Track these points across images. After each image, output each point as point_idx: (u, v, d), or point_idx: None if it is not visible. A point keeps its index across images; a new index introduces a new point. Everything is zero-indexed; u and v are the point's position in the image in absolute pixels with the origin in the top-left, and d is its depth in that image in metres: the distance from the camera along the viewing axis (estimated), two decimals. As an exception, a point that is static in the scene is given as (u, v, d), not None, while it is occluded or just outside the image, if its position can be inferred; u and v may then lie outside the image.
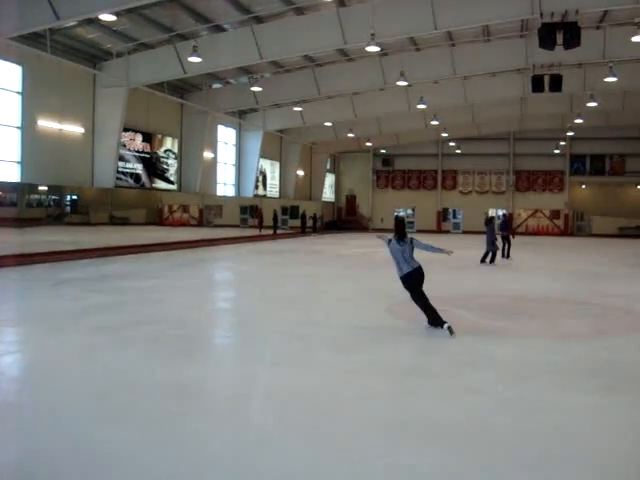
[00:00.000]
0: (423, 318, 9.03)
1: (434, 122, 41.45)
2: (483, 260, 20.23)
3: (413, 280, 8.90)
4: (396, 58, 30.98)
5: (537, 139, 51.53)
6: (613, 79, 27.96)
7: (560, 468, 4.38)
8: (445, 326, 8.50)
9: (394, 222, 9.36)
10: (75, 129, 30.89)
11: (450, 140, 52.38)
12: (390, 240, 8.97)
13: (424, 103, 34.41)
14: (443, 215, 54.66)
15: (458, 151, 53.44)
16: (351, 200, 59.09)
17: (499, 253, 20.59)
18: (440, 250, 9.36)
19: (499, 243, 20.94)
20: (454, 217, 54.79)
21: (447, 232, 52.51)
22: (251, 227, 42.24)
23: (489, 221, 21.09)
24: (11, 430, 4.99)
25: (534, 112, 42.60)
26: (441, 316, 8.69)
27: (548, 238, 45.67)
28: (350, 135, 46.39)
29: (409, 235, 9.08)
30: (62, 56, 27.27)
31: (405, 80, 28.64)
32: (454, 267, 18.94)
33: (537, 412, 5.54)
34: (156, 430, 4.91)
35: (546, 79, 27.76)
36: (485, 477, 4.22)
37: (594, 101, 34.31)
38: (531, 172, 53.37)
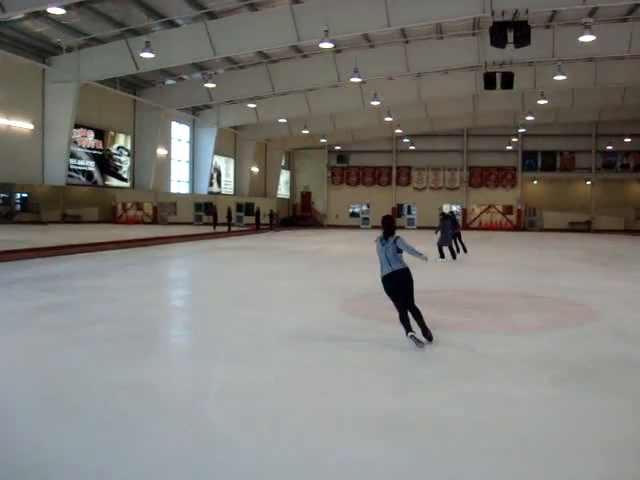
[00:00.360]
0: (377, 314, 9.06)
1: (388, 118, 41.76)
2: (442, 255, 20.20)
3: (393, 282, 8.09)
4: (350, 55, 31.13)
5: (490, 135, 52.29)
6: (562, 77, 28.57)
7: (509, 458, 4.46)
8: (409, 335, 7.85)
9: (381, 220, 8.52)
10: (24, 125, 30.32)
11: (404, 136, 52.79)
12: (378, 239, 8.35)
13: (378, 99, 34.68)
14: (398, 211, 55.04)
15: (412, 147, 53.92)
16: (306, 197, 59.15)
17: (447, 251, 20.54)
18: (419, 255, 8.48)
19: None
20: (409, 213, 55.25)
21: (402, 228, 52.92)
22: (206, 224, 41.93)
23: (446, 217, 21.05)
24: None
25: (487, 109, 43.26)
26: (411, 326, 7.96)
27: (501, 233, 46.37)
28: (305, 132, 46.47)
29: (396, 234, 8.36)
30: (9, 50, 26.73)
31: (359, 77, 28.79)
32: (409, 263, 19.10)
33: (487, 405, 5.63)
34: (108, 431, 4.85)
35: (498, 77, 28.18)
36: (437, 468, 4.27)
37: (544, 99, 34.96)
38: (484, 168, 54.12)
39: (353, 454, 4.47)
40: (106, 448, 4.53)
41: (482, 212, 54.14)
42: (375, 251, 8.39)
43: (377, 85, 35.34)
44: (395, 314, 8.08)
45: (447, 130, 51.50)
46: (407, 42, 31.04)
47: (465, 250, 22.17)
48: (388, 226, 8.36)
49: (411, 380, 6.44)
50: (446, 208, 53.37)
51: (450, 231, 20.53)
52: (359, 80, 30.18)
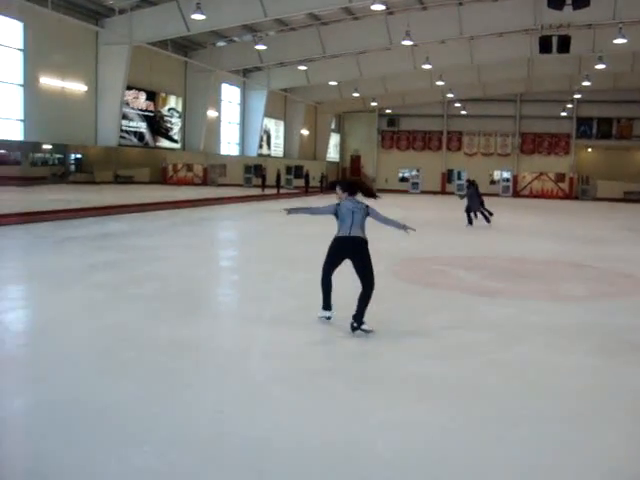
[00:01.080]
0: (424, 279, 9.09)
1: (440, 82, 41.13)
2: (470, 222, 20.10)
3: (341, 247, 7.32)
4: (402, 17, 30.66)
5: (544, 101, 51.01)
6: (623, 41, 27.62)
7: (547, 425, 4.49)
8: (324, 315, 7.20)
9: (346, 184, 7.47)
10: (78, 87, 30.74)
11: (456, 101, 51.94)
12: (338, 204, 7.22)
13: (430, 63, 34.12)
14: (448, 176, 54.46)
15: (463, 112, 53.03)
16: (356, 160, 58.86)
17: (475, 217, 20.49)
18: (399, 225, 7.63)
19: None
20: (459, 178, 54.53)
21: (451, 193, 52.40)
22: (255, 186, 42.16)
23: (472, 184, 20.98)
24: (16, 383, 5.12)
25: (541, 74, 42.25)
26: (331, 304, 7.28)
27: (552, 201, 45.53)
28: (355, 95, 46.09)
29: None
30: (63, 12, 27.01)
31: (411, 40, 28.39)
32: (456, 229, 19.03)
33: (527, 372, 5.65)
34: (155, 384, 5.03)
35: (554, 40, 27.46)
36: (476, 432, 4.33)
37: (603, 63, 33.96)
38: (537, 135, 52.99)
39: (393, 415, 4.55)
40: (153, 400, 4.71)
41: (533, 179, 53.12)
42: (340, 209, 7.17)
43: (429, 48, 34.80)
44: (439, 279, 8.10)
45: (500, 95, 50.46)
46: (461, 4, 30.42)
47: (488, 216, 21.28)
48: (355, 188, 7.40)
49: (452, 345, 6.47)
50: (497, 174, 52.77)
51: (476, 198, 20.36)
52: (411, 43, 29.76)
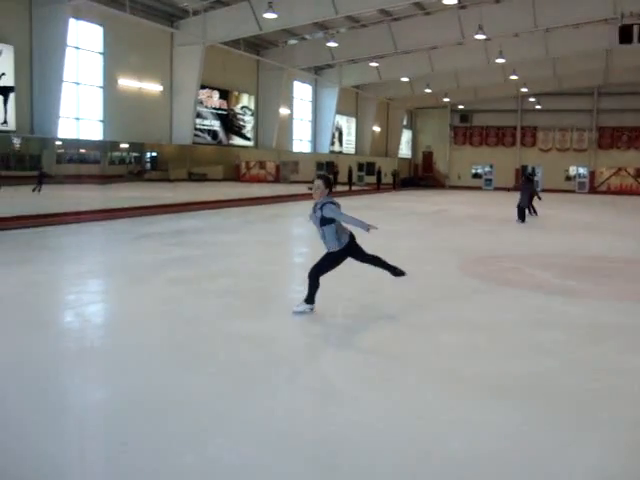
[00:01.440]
0: (497, 277, 8.95)
1: (513, 77, 40.31)
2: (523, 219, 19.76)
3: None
4: (475, 11, 30.15)
5: (623, 94, 49.32)
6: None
7: (625, 430, 4.36)
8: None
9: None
10: (154, 87, 31.47)
11: (530, 95, 50.81)
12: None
13: (503, 57, 33.45)
14: (522, 172, 53.37)
15: (538, 107, 51.84)
16: (428, 157, 58.37)
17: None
18: (360, 224, 7.17)
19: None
20: (533, 175, 53.42)
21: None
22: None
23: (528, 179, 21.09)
24: (96, 374, 5.29)
25: (620, 65, 40.84)
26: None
27: (632, 198, 44.12)
28: (427, 90, 45.65)
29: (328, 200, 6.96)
30: (140, 16, 27.69)
31: (484, 33, 27.92)
32: (529, 226, 18.69)
33: (606, 373, 5.49)
34: (229, 378, 5.11)
35: (635, 29, 26.51)
36: (548, 433, 4.24)
37: (685, 53, 32.66)
38: (615, 129, 51.30)
39: (464, 414, 4.50)
40: (230, 392, 4.79)
41: (611, 175, 51.46)
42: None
43: (502, 42, 34.12)
44: (513, 276, 7.97)
45: (576, 88, 49.04)
46: (536, -5, 29.74)
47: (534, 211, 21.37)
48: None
49: (527, 344, 6.35)
50: (572, 170, 51.44)
51: (524, 193, 20.10)
52: (483, 37, 29.27)
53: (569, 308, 7.98)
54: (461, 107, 55.05)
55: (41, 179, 25.25)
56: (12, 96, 24.51)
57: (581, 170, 51.67)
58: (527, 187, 20.25)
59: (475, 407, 4.61)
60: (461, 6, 30.15)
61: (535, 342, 6.41)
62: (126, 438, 3.98)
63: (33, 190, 24.57)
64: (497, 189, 51.23)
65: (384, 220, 18.00)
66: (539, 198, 21.00)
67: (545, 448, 3.99)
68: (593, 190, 50.20)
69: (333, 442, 3.99)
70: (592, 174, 51.43)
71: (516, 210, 19.81)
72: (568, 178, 51.74)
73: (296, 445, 3.96)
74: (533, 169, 52.53)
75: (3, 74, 24.10)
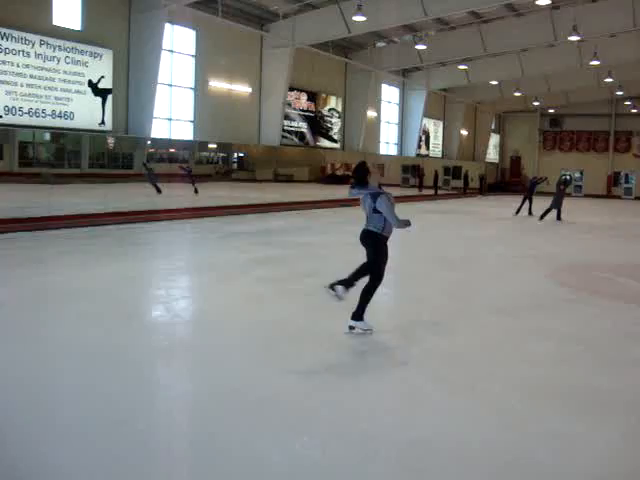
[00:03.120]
0: (589, 286, 8.68)
1: (608, 79, 38.97)
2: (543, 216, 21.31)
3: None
4: (568, 11, 29.26)
5: None
6: None
7: None
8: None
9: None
10: (243, 89, 32.02)
11: (625, 99, 49.03)
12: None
13: (598, 59, 32.33)
14: (614, 179, 51.57)
15: (634, 110, 49.92)
16: (516, 161, 57.18)
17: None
18: (401, 223, 6.73)
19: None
20: (626, 182, 51.42)
21: (618, 197, 49.65)
22: (412, 187, 42.09)
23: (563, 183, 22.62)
24: (185, 368, 5.43)
25: None
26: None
27: None
28: (517, 94, 44.71)
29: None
30: (232, 19, 28.26)
31: (578, 34, 27.06)
32: (620, 235, 18.07)
33: None
34: (315, 377, 5.14)
35: None
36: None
37: None
38: None
39: (553, 426, 4.37)
40: (316, 392, 4.82)
41: None
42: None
43: (597, 43, 33.01)
44: (605, 286, 7.71)
45: (675, 91, 47.09)
46: (635, -6, 28.66)
47: (530, 212, 23.31)
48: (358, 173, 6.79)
49: (622, 356, 6.13)
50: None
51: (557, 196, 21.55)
52: (577, 38, 28.40)
53: (666, 320, 7.67)
54: (551, 111, 53.66)
55: (152, 178, 24.99)
56: (110, 98, 25.42)
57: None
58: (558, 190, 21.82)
59: (565, 420, 4.49)
60: (554, 6, 29.37)
61: (627, 355, 6.19)
62: (210, 433, 4.06)
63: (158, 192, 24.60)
64: (587, 196, 49.69)
65: (470, 226, 17.77)
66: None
67: (637, 464, 3.86)
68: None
69: (418, 446, 3.96)
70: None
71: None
72: (663, 185, 49.71)
73: (380, 447, 3.95)
74: (627, 175, 50.59)
75: (102, 77, 25.02)
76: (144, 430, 4.10)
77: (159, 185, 24.45)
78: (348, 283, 6.63)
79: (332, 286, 6.58)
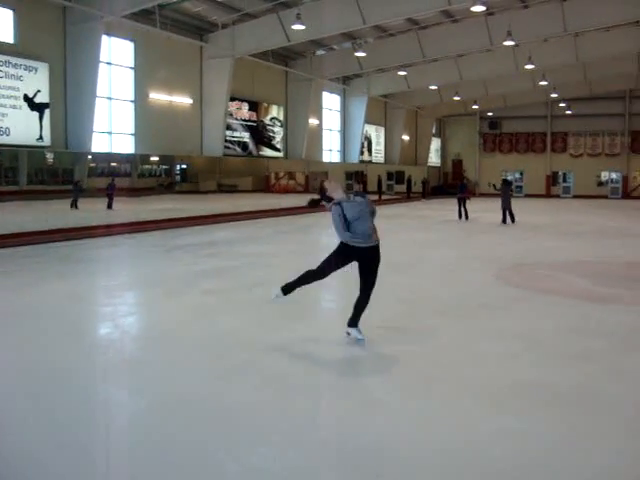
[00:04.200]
0: (535, 285, 8.86)
1: (543, 82, 39.97)
2: (504, 221, 21.65)
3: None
4: (503, 17, 29.97)
5: (655, 97, 48.67)
6: None
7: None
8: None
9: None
10: (184, 100, 31.81)
11: (560, 101, 50.32)
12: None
13: (532, 63, 33.16)
14: (553, 179, 52.85)
15: (569, 112, 51.29)
16: (457, 165, 58.09)
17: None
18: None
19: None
20: (564, 181, 52.83)
21: (557, 196, 50.90)
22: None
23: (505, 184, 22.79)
24: (135, 384, 5.34)
25: (653, 68, 40.33)
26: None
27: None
28: (456, 98, 45.51)
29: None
30: (170, 30, 28.05)
31: (512, 40, 27.69)
32: (562, 233, 18.51)
33: (650, 378, 5.42)
34: (267, 389, 5.12)
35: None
36: (595, 443, 4.19)
37: None
38: (649, 132, 50.61)
39: (505, 424, 4.44)
40: (269, 403, 4.80)
41: (645, 180, 50.76)
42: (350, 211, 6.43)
43: (531, 48, 33.88)
44: (550, 283, 7.88)
45: (607, 92, 48.39)
46: (564, 0, 29.48)
47: (467, 217, 23.77)
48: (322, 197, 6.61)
49: (570, 352, 6.27)
50: (604, 175, 50.82)
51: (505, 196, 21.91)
52: (512, 43, 29.06)
53: (607, 315, 7.88)
54: (490, 114, 54.74)
55: (77, 193, 25.42)
56: (47, 112, 24.93)
57: (614, 175, 51.03)
58: (507, 190, 22.18)
59: (517, 416, 4.57)
60: (489, 12, 30.00)
61: (574, 350, 6.34)
62: (164, 448, 4.01)
63: (71, 206, 24.84)
64: (528, 196, 50.76)
65: (416, 229, 17.99)
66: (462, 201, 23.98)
67: (592, 457, 3.94)
68: (626, 195, 49.51)
69: (375, 451, 3.98)
70: (625, 179, 50.73)
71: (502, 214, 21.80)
72: (600, 184, 51.15)
73: (338, 453, 3.96)
74: (564, 175, 51.92)
75: (39, 91, 24.53)
76: (94, 449, 4.02)
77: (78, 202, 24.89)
78: (289, 289, 6.67)
79: (284, 291, 6.67)
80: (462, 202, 24.09)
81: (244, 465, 3.77)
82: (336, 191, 6.47)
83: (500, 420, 4.49)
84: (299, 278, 6.64)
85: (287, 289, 6.67)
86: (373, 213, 6.55)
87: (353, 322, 6.52)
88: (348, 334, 6.52)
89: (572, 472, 3.76)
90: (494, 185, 24.37)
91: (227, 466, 3.77)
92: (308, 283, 6.68)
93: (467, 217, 23.75)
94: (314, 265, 6.60)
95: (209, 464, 3.78)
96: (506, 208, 21.63)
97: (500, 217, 21.71)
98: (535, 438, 4.20)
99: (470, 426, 4.39)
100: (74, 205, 24.77)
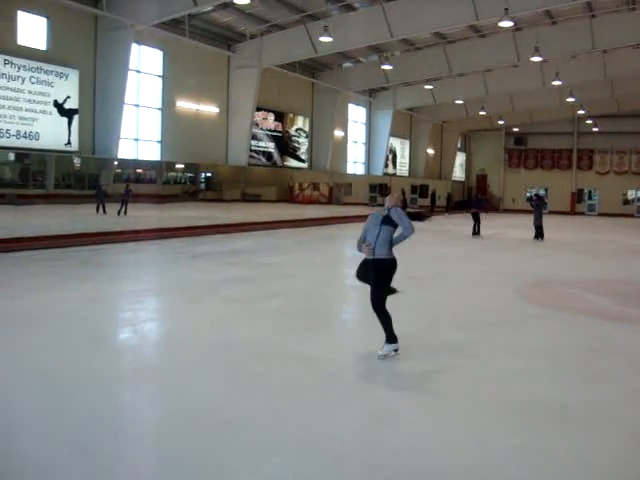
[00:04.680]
0: (555, 303, 8.78)
1: (570, 99, 39.78)
2: (537, 237, 21.14)
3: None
4: (530, 33, 29.95)
5: (683, 114, 48.10)
6: None
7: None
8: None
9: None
10: (211, 109, 32.08)
11: (587, 117, 50.00)
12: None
13: (559, 79, 33.00)
14: (578, 196, 52.42)
15: (595, 129, 50.95)
16: (482, 180, 57.89)
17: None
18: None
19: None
20: (589, 198, 52.42)
21: (582, 214, 50.47)
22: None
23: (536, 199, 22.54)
24: (153, 390, 5.38)
25: (681, 85, 39.94)
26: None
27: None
28: (482, 113, 45.42)
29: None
30: (199, 40, 28.36)
31: (540, 56, 27.66)
32: (585, 250, 18.36)
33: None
34: (284, 399, 5.13)
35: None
36: (612, 466, 4.14)
37: None
38: (676, 150, 50.02)
39: (522, 442, 4.41)
40: (285, 413, 4.81)
41: (673, 198, 50.14)
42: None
43: (559, 64, 33.78)
44: (571, 301, 7.81)
45: (635, 110, 47.94)
46: (593, 16, 29.32)
47: (478, 232, 22.86)
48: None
49: (587, 371, 6.23)
50: (631, 194, 50.32)
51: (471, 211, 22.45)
52: (540, 59, 29.00)
53: (629, 335, 7.80)
54: (516, 130, 54.54)
55: (102, 198, 24.62)
56: (76, 118, 25.25)
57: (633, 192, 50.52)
58: (539, 206, 21.75)
59: (534, 435, 4.53)
60: (517, 28, 29.96)
61: (594, 370, 6.28)
62: (180, 456, 4.03)
63: (97, 211, 24.18)
64: (552, 212, 50.43)
65: (439, 243, 17.92)
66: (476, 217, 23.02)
67: (608, 477, 3.91)
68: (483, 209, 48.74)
69: (390, 466, 3.97)
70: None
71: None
72: (626, 202, 50.69)
73: (352, 467, 3.96)
74: (590, 192, 51.41)
75: (68, 97, 24.89)
76: (112, 454, 4.06)
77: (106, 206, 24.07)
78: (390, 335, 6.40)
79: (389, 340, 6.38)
80: (476, 217, 23.10)
81: (258, 475, 3.78)
82: (387, 202, 6.69)
83: (517, 438, 4.46)
84: (385, 323, 6.43)
85: (389, 338, 6.38)
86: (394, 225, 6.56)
87: (387, 339, 6.39)
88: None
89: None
90: (531, 200, 23.67)
91: (241, 476, 3.78)
92: (389, 315, 6.47)
93: (479, 232, 22.78)
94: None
95: (224, 473, 3.80)
96: (539, 225, 21.07)
97: (532, 233, 21.37)
98: (551, 457, 4.16)
99: (487, 443, 4.37)
100: (101, 209, 24.19)
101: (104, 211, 24.03)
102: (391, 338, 6.34)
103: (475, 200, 25.40)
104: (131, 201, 24.80)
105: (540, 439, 4.45)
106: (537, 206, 21.51)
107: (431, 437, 4.45)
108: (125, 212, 23.74)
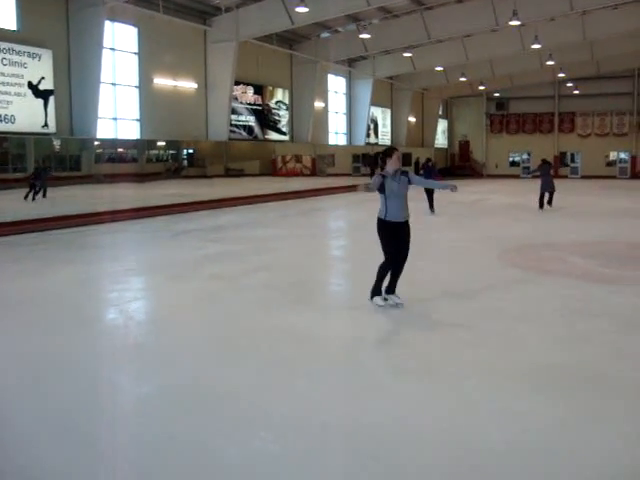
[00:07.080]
0: (539, 266, 8.82)
1: (550, 62, 39.64)
2: (542, 205, 19.58)
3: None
4: (509, -4, 29.71)
5: (665, 75, 48.23)
6: None
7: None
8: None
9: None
10: (189, 85, 31.76)
11: (567, 80, 49.96)
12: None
13: (539, 42, 32.81)
14: (560, 159, 52.56)
15: (576, 92, 50.92)
16: (464, 146, 57.90)
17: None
18: (444, 186, 8.37)
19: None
20: (572, 161, 52.58)
21: (565, 177, 50.63)
22: (363, 175, 42.27)
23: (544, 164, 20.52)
24: (140, 369, 5.38)
25: (661, 45, 39.93)
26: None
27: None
28: (462, 79, 45.24)
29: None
30: (174, 15, 27.96)
31: (518, 19, 27.49)
32: (569, 214, 18.46)
33: (653, 358, 5.42)
34: (270, 372, 5.15)
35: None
36: (596, 426, 4.19)
37: None
38: (657, 111, 50.20)
39: (506, 405, 4.46)
40: (271, 386, 4.83)
41: (654, 160, 50.42)
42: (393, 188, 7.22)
43: (538, 27, 33.55)
44: (554, 265, 7.86)
45: (615, 72, 48.02)
46: (571, -22, 29.18)
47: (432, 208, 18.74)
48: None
49: (571, 333, 6.29)
50: (613, 155, 50.52)
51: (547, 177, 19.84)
52: (518, 23, 28.82)
53: (611, 296, 7.87)
54: (497, 95, 54.45)
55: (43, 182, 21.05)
56: (52, 99, 24.93)
57: (622, 155, 50.70)
58: (547, 171, 20.01)
59: (517, 398, 4.58)
60: (495, -8, 29.77)
61: (577, 330, 6.34)
62: (171, 432, 4.04)
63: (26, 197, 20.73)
64: (535, 177, 50.53)
65: (423, 211, 17.92)
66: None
67: (591, 439, 3.95)
68: (635, 175, 49.20)
69: (375, 434, 4.00)
70: (634, 159, 50.37)
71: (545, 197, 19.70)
72: (609, 164, 50.91)
73: (338, 436, 3.98)
74: (572, 155, 51.56)
75: (43, 78, 24.54)
76: (98, 433, 4.07)
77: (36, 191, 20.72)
78: (377, 291, 7.19)
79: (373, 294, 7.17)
80: (429, 191, 18.62)
81: (245, 449, 3.80)
82: (392, 166, 7.14)
83: (502, 402, 4.50)
84: (377, 277, 7.12)
85: (375, 292, 7.15)
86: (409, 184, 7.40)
87: (390, 289, 7.14)
88: (386, 300, 7.07)
89: (568, 453, 3.76)
90: (528, 168, 21.92)
91: (228, 450, 3.80)
92: (384, 276, 7.12)
93: (432, 210, 18.64)
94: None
95: (209, 448, 3.81)
96: (550, 191, 19.73)
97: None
98: (535, 419, 4.21)
99: (471, 407, 4.41)
100: (34, 195, 20.70)
101: (44, 195, 21.07)
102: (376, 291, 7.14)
103: (425, 167, 20.26)
104: (113, 181, 24.53)
105: (523, 402, 4.49)
106: (547, 172, 20.21)
107: (416, 404, 4.48)
108: (44, 194, 20.98)
